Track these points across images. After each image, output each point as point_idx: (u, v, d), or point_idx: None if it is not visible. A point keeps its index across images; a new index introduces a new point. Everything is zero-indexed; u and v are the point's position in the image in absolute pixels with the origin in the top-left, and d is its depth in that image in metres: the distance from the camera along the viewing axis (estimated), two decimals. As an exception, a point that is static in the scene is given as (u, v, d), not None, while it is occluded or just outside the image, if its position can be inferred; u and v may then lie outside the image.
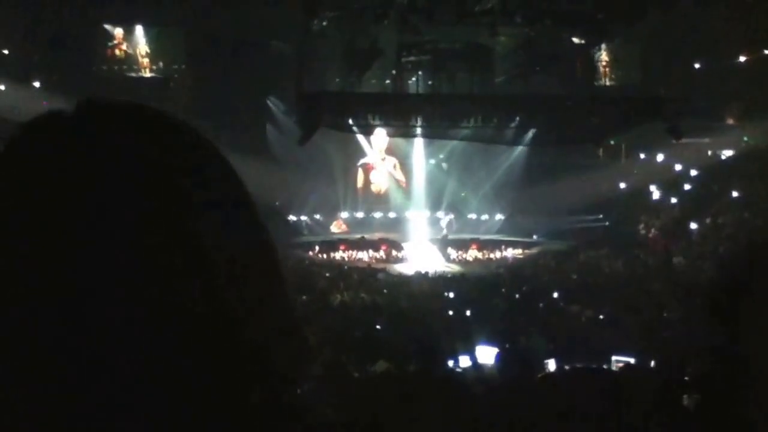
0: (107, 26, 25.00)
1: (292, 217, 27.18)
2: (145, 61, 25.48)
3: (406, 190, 30.17)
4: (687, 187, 24.57)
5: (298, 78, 22.02)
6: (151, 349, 0.72)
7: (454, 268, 23.25)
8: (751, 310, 1.11)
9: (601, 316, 12.83)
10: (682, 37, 21.91)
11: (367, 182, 30.09)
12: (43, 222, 0.72)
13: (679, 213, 24.11)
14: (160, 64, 25.55)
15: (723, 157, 24.31)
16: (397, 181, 30.28)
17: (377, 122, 23.02)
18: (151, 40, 25.45)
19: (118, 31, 25.27)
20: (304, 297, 14.17)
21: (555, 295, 15.73)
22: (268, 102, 25.30)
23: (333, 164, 28.26)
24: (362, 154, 29.82)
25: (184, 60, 25.37)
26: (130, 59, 25.37)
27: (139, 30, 25.32)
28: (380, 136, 28.53)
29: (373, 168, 30.19)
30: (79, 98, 0.81)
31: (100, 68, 25.13)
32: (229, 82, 22.08)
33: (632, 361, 7.91)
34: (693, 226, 22.50)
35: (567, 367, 7.23)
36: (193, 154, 0.81)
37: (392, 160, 30.21)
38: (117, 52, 25.40)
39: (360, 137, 28.11)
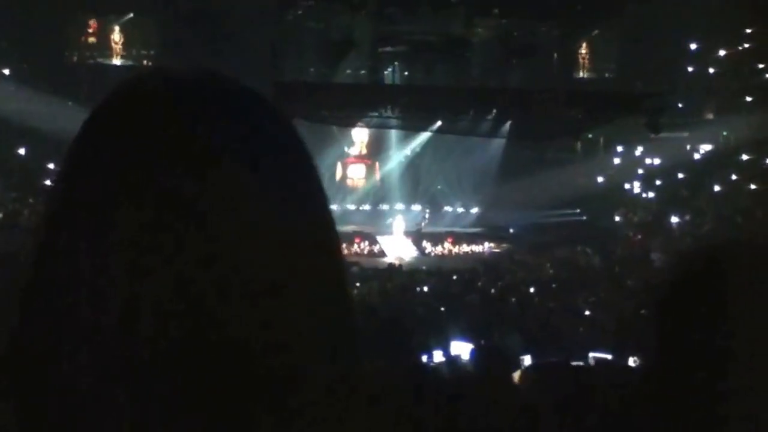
0: (80, 13, 24.62)
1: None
2: (118, 48, 25.14)
3: (382, 186, 29.98)
4: (665, 182, 24.54)
5: (272, 68, 21.77)
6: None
7: (429, 261, 23.07)
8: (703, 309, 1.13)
9: (578, 312, 12.74)
10: (661, 31, 21.86)
11: (344, 176, 29.88)
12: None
13: (656, 208, 24.12)
14: (133, 51, 25.22)
15: (702, 152, 24.30)
16: (374, 178, 30.07)
17: (352, 113, 22.84)
18: (123, 27, 25.10)
19: (90, 19, 24.93)
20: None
21: (531, 290, 15.62)
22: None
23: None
24: (336, 145, 29.58)
25: (157, 48, 25.03)
26: (102, 47, 25.02)
27: (111, 18, 24.96)
28: (361, 131, 28.42)
29: (352, 163, 29.97)
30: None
31: (71, 56, 24.78)
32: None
33: (609, 357, 7.84)
34: (671, 221, 22.52)
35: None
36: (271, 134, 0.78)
37: (372, 157, 30.01)
38: (89, 39, 25.07)
39: (336, 129, 27.88)
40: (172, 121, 0.73)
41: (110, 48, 25.07)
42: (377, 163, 30.07)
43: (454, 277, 17.89)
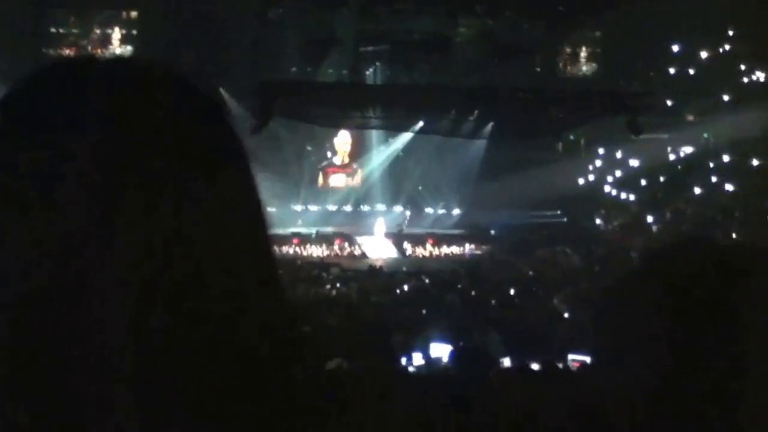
0: (59, 8, 24.44)
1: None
2: (98, 45, 24.97)
3: (363, 187, 29.94)
4: (646, 182, 24.66)
5: (254, 66, 21.74)
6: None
7: (410, 263, 23.04)
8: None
9: (558, 313, 12.74)
10: (645, 32, 21.96)
11: (325, 184, 29.86)
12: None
13: (637, 209, 24.21)
14: (113, 48, 25.04)
15: (682, 154, 24.42)
16: (355, 184, 30.03)
17: (334, 112, 22.79)
18: (103, 24, 24.94)
19: (70, 14, 24.76)
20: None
21: (511, 291, 15.60)
22: (221, 91, 24.78)
23: (287, 155, 27.86)
24: (318, 145, 29.53)
25: (138, 45, 24.89)
26: (79, 44, 24.82)
27: (89, 14, 24.78)
28: (343, 138, 28.40)
29: (334, 172, 29.93)
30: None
31: (47, 53, 24.56)
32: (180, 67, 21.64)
33: (588, 359, 7.80)
34: (651, 222, 22.63)
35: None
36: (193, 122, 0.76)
37: (355, 167, 29.96)
38: (69, 35, 24.90)
39: (320, 132, 27.85)
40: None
41: (90, 44, 24.88)
42: (359, 170, 29.99)
43: (435, 279, 17.87)
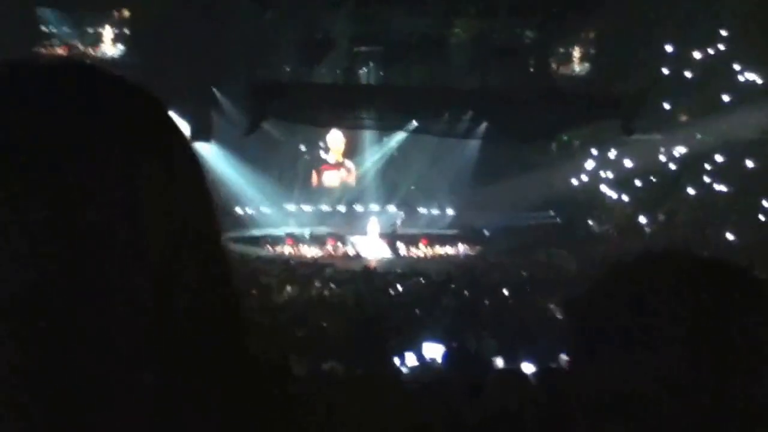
0: (43, 9, 24.34)
1: (237, 210, 26.61)
2: (86, 45, 24.87)
3: (357, 187, 29.96)
4: (639, 184, 24.69)
5: (248, 67, 21.75)
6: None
7: (404, 263, 23.04)
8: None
9: (551, 315, 12.74)
10: (640, 32, 22.02)
11: (319, 182, 29.86)
12: None
13: (631, 210, 24.24)
14: (102, 49, 24.94)
15: (676, 155, 24.46)
16: (350, 183, 30.05)
17: (328, 113, 22.82)
18: (91, 24, 24.86)
19: (64, 13, 24.66)
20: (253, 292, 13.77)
21: (505, 292, 15.61)
22: (214, 91, 24.78)
23: (281, 156, 27.88)
24: (312, 145, 29.53)
25: (132, 45, 24.80)
26: (69, 44, 24.72)
27: (80, 13, 24.70)
28: (337, 137, 28.41)
29: (327, 170, 29.94)
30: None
31: (36, 54, 24.43)
32: (172, 69, 21.57)
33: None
34: (645, 223, 22.67)
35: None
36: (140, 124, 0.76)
37: (349, 165, 29.95)
38: (59, 36, 24.78)
39: (313, 132, 27.86)
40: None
41: (82, 43, 24.78)
42: (353, 169, 29.98)
43: (429, 280, 17.87)
